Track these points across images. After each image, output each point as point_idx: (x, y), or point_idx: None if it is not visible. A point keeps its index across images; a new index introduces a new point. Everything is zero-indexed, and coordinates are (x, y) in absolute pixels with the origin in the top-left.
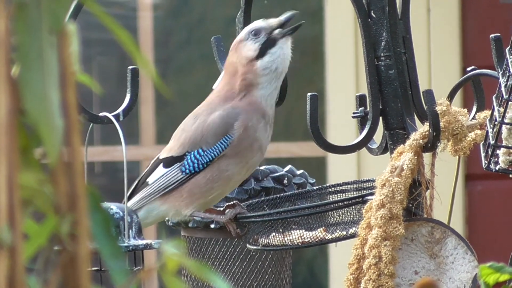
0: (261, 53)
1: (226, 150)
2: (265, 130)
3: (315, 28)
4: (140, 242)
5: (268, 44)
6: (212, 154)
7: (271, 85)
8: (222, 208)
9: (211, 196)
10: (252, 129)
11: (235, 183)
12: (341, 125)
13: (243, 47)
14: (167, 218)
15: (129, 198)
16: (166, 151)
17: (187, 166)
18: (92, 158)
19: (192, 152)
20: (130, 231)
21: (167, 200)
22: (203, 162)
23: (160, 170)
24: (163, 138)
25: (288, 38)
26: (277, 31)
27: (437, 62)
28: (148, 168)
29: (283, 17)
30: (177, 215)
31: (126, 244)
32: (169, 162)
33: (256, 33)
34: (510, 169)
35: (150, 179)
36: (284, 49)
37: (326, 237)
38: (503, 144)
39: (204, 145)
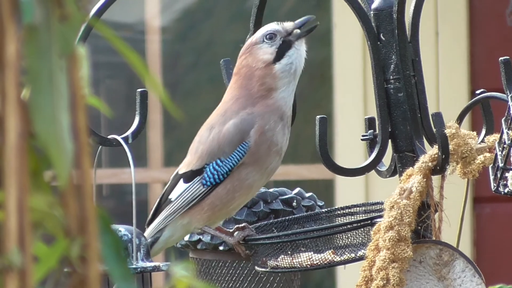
0: (278, 56)
1: (245, 158)
2: (283, 132)
3: (323, 51)
4: (149, 264)
5: (284, 47)
6: (231, 163)
7: (289, 87)
8: (231, 230)
9: (233, 205)
10: (269, 133)
11: (256, 190)
12: (350, 148)
13: (258, 50)
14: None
15: (154, 216)
16: (185, 166)
17: (207, 179)
18: (100, 181)
19: (211, 164)
20: (139, 253)
21: (189, 214)
22: (222, 172)
23: (181, 185)
24: (171, 161)
25: (303, 39)
26: (292, 34)
27: (446, 84)
28: (168, 184)
29: (298, 21)
30: (198, 228)
31: (134, 266)
32: (189, 176)
33: (271, 36)
34: None
35: (172, 196)
36: (300, 51)
37: (335, 259)
38: None
39: (222, 155)
